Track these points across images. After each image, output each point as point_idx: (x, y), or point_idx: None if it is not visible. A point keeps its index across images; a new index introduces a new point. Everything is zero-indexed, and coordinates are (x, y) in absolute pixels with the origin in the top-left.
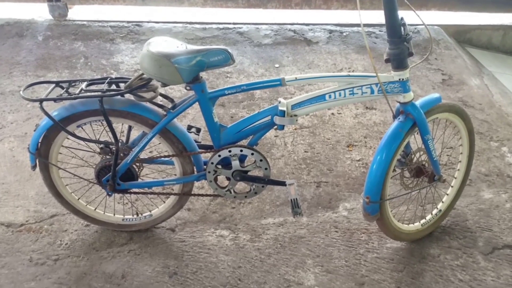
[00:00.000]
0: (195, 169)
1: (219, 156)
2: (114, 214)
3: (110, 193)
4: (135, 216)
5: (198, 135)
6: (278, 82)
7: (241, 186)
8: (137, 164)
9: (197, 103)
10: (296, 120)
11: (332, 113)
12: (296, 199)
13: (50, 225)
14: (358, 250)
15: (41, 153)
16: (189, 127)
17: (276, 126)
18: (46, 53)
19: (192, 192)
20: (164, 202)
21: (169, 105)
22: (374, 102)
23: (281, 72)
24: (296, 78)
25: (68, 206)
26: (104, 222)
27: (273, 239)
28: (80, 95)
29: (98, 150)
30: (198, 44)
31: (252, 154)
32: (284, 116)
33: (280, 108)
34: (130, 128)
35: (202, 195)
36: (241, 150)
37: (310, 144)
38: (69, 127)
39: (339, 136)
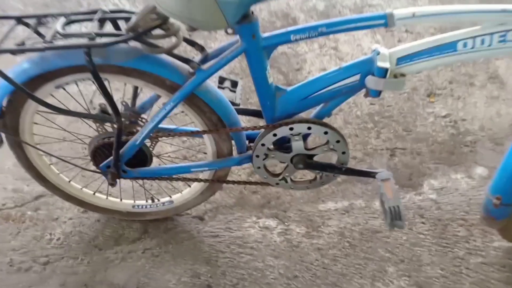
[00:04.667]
0: (234, 149)
1: (274, 135)
2: (121, 199)
3: (113, 183)
4: (149, 202)
5: (235, 91)
6: (382, 21)
7: (300, 172)
8: (150, 139)
9: (242, 54)
10: (404, 84)
11: None
12: (397, 206)
13: (35, 210)
14: (456, 252)
15: (7, 123)
16: (221, 80)
17: (366, 91)
18: None
19: (229, 178)
20: (190, 186)
21: (198, 57)
22: None
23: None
24: (413, 14)
25: (56, 191)
26: (108, 210)
27: (337, 233)
28: (54, 44)
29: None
30: None
31: (326, 133)
32: (385, 75)
33: (379, 63)
34: (137, 88)
35: (243, 182)
36: (309, 128)
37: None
38: (43, 88)
39: (415, 81)
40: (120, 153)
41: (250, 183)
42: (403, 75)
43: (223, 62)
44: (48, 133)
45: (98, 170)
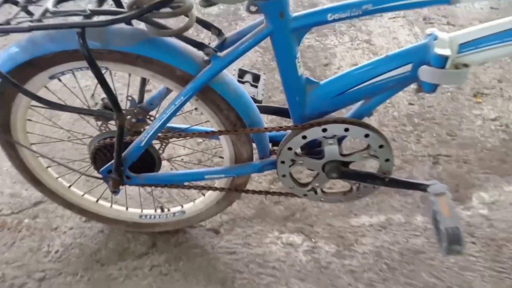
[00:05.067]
0: (255, 153)
1: (304, 137)
2: (127, 208)
3: (116, 191)
4: (158, 212)
5: (256, 86)
6: None
7: (332, 181)
8: (159, 140)
9: (268, 38)
10: (466, 77)
11: None
12: (457, 228)
13: (33, 218)
14: None
15: None
16: (241, 73)
17: (418, 85)
18: None
19: (248, 187)
20: (204, 195)
21: (214, 42)
22: None
23: None
24: None
25: (54, 197)
26: (112, 220)
27: (373, 253)
28: (42, 23)
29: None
30: None
31: (367, 136)
32: (443, 65)
33: (437, 49)
34: (144, 81)
35: (264, 192)
36: (347, 129)
37: (411, 90)
38: (35, 79)
39: None
40: (123, 156)
41: (273, 193)
42: (466, 65)
43: (244, 48)
44: (52, 131)
45: (99, 176)
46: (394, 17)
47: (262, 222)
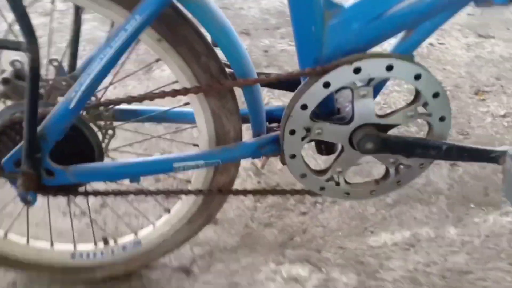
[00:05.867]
0: (248, 132)
1: (327, 85)
2: (53, 243)
3: (29, 199)
4: (100, 246)
5: None
6: None
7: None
8: (99, 117)
9: None
10: None
11: (431, 44)
12: None
13: None
14: None
15: None
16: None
17: None
18: None
19: (235, 187)
20: (168, 212)
21: None
22: (489, 28)
23: None
24: None
25: None
26: (30, 264)
27: (407, 280)
28: None
29: None
30: None
31: (418, 77)
32: None
33: None
34: (78, 19)
35: (263, 191)
36: (390, 67)
37: (412, 91)
38: None
39: (455, 78)
40: (39, 129)
41: (274, 192)
42: None
43: None
44: None
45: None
46: None
47: (251, 252)
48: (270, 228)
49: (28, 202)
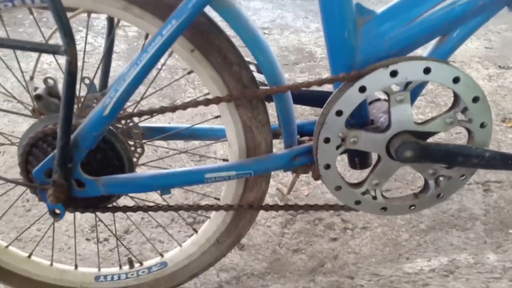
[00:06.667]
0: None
1: (362, 89)
2: (77, 266)
3: (58, 212)
4: (124, 269)
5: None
6: None
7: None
8: (130, 127)
9: None
10: None
11: None
12: None
13: None
14: None
15: None
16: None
17: None
18: None
19: (265, 203)
20: (196, 232)
21: None
22: (508, 59)
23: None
24: None
25: None
26: (51, 286)
27: None
28: None
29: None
30: None
31: (457, 80)
32: None
33: None
34: (111, 30)
35: (296, 206)
36: (428, 70)
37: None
38: None
39: None
40: (72, 137)
41: (305, 207)
42: None
43: None
44: None
45: (30, 185)
46: None
47: (280, 279)
48: (299, 254)
49: (56, 215)
